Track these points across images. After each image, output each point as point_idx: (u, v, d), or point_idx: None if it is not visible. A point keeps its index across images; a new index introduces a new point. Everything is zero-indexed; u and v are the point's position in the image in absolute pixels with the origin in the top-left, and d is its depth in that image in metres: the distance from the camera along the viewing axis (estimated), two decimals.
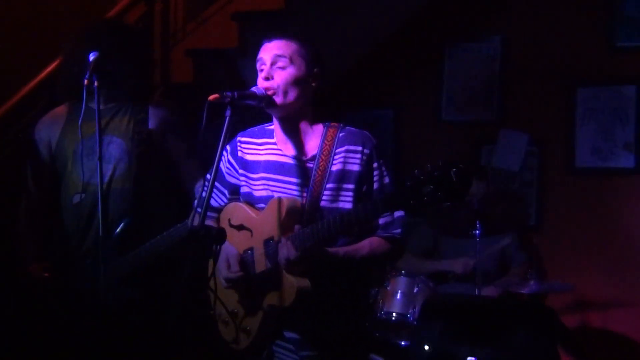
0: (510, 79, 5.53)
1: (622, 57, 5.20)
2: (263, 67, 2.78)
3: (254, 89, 2.76)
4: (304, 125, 2.84)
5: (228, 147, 2.95)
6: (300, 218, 2.72)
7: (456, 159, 2.37)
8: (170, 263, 3.36)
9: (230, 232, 2.87)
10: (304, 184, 2.78)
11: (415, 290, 4.46)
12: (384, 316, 4.43)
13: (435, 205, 2.35)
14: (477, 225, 4.51)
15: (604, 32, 5.24)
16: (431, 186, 2.33)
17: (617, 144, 5.20)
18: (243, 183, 2.91)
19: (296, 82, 2.76)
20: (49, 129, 3.53)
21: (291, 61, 2.77)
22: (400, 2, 5.50)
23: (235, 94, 2.67)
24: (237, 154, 2.93)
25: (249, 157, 2.90)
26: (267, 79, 2.76)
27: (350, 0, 5.14)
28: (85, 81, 3.18)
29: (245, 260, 2.83)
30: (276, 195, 2.78)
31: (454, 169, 2.32)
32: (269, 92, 2.74)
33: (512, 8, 5.53)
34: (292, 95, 2.76)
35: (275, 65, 2.77)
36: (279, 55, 2.77)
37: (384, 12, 5.43)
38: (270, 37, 2.82)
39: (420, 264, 4.84)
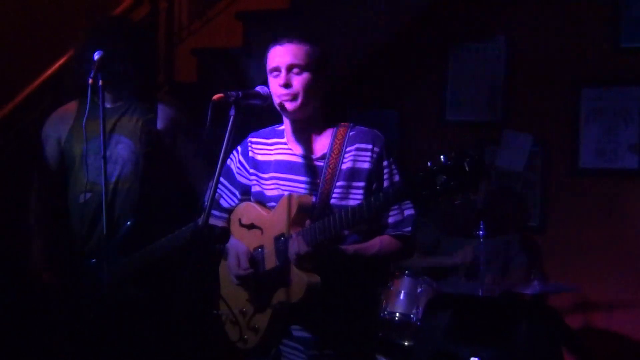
0: (514, 80, 5.52)
1: (626, 58, 5.19)
2: (277, 73, 2.75)
3: (258, 88, 2.76)
4: (314, 125, 2.84)
5: (239, 148, 2.96)
6: (311, 215, 2.72)
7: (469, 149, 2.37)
8: (175, 263, 3.35)
9: (240, 231, 2.88)
10: (314, 183, 2.78)
11: (418, 291, 4.46)
12: (387, 316, 4.44)
13: (448, 196, 2.34)
14: (481, 226, 4.52)
15: (609, 32, 5.23)
16: (444, 176, 2.33)
17: (621, 144, 5.19)
18: (254, 182, 2.91)
19: (312, 85, 2.75)
20: (58, 127, 3.52)
21: (306, 65, 2.75)
22: (405, 2, 5.50)
23: (240, 93, 2.67)
24: (248, 154, 2.93)
25: (259, 157, 2.91)
26: (286, 86, 2.74)
27: (355, 0, 5.14)
28: (90, 80, 3.18)
29: (255, 258, 2.83)
30: (286, 194, 2.78)
31: (467, 159, 2.31)
32: (286, 98, 2.73)
33: (517, 8, 5.53)
34: (309, 99, 2.76)
35: (291, 71, 2.74)
36: (295, 62, 2.74)
37: (389, 12, 5.42)
38: (281, 40, 2.78)
39: (421, 259, 4.84)
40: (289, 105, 2.74)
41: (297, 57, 2.74)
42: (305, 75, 2.74)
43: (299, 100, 2.74)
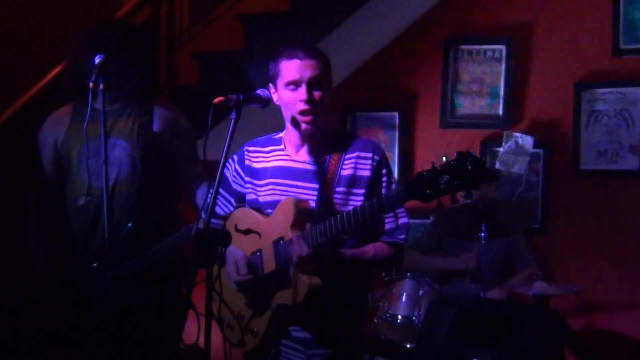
0: (515, 81, 5.52)
1: (628, 59, 5.19)
2: (296, 87, 2.77)
3: (259, 91, 2.78)
4: (316, 134, 2.86)
5: (235, 157, 2.98)
6: (311, 220, 2.74)
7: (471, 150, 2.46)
8: (175, 267, 3.36)
9: (237, 237, 2.89)
10: (313, 188, 2.80)
11: (420, 293, 4.46)
12: (389, 319, 4.44)
13: (451, 194, 2.43)
14: (482, 228, 4.52)
15: (610, 33, 5.23)
16: (447, 176, 2.40)
17: (622, 146, 5.19)
18: (249, 190, 2.93)
19: (327, 101, 2.82)
20: (54, 130, 3.52)
21: (324, 81, 2.79)
22: (406, 4, 5.50)
23: (241, 96, 2.69)
24: (245, 162, 2.95)
25: (256, 165, 2.92)
26: (308, 101, 2.76)
27: (356, 2, 5.14)
28: (91, 84, 3.18)
29: (253, 263, 2.85)
30: (285, 198, 2.79)
31: (470, 159, 2.40)
32: (306, 114, 2.76)
33: (517, 10, 5.53)
34: (323, 115, 2.82)
35: (311, 87, 2.77)
36: (316, 78, 2.77)
37: (390, 14, 5.43)
38: (298, 54, 2.78)
39: (424, 260, 4.86)
40: (307, 125, 2.78)
41: (317, 71, 2.77)
42: (324, 93, 2.79)
43: (317, 119, 2.78)
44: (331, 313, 2.81)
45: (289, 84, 2.78)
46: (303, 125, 2.79)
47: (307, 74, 2.76)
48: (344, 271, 2.79)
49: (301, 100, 2.76)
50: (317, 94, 2.77)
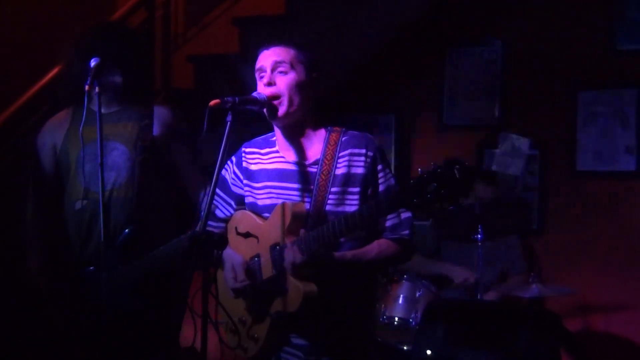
0: (511, 83, 5.53)
1: (623, 60, 5.19)
2: (264, 74, 2.77)
3: (255, 94, 2.75)
4: (306, 131, 2.84)
5: (234, 158, 2.96)
6: (305, 222, 2.72)
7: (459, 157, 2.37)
8: (173, 272, 3.34)
9: (237, 240, 2.87)
10: (307, 189, 2.77)
11: (417, 295, 4.45)
12: (386, 321, 4.43)
13: (439, 203, 2.35)
14: (479, 230, 4.52)
15: (605, 35, 5.24)
16: (434, 184, 2.33)
17: (618, 147, 5.20)
18: (247, 193, 2.91)
19: (298, 87, 2.76)
20: (52, 134, 3.51)
21: (292, 67, 2.76)
22: (402, 7, 5.50)
23: (237, 99, 2.67)
24: (242, 165, 2.93)
25: (253, 167, 2.90)
26: (269, 84, 2.75)
27: (351, 5, 5.14)
28: (87, 87, 3.17)
29: (251, 268, 2.82)
30: (280, 202, 2.77)
31: (457, 166, 2.32)
32: (275, 101, 2.74)
33: (513, 12, 5.53)
34: (296, 100, 2.75)
35: (276, 71, 2.76)
36: (279, 62, 2.76)
37: (386, 17, 5.43)
38: (267, 44, 2.81)
39: (423, 263, 4.85)
40: (281, 107, 2.74)
41: (281, 56, 2.77)
42: (291, 76, 2.75)
43: (285, 102, 2.74)
44: (333, 319, 2.77)
45: (257, 72, 2.80)
46: (266, 112, 2.74)
47: (270, 59, 2.77)
48: (347, 274, 2.75)
49: (264, 85, 2.75)
50: (282, 78, 2.75)
